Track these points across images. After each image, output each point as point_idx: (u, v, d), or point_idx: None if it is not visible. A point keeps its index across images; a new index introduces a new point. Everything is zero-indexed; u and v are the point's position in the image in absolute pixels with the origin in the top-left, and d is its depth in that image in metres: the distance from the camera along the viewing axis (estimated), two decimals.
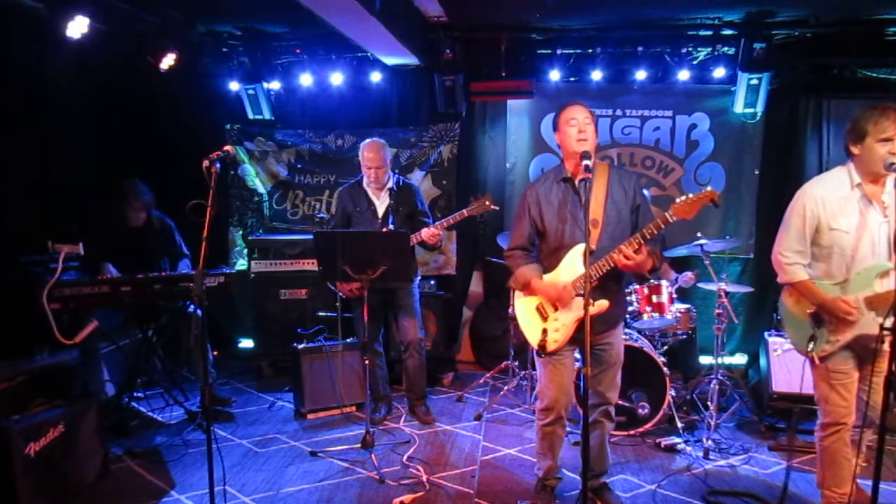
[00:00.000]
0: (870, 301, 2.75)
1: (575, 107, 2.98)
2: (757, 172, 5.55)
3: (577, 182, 3.01)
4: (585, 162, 2.77)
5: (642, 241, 2.77)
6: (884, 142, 2.67)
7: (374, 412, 4.34)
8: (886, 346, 2.42)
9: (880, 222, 2.76)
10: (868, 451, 3.38)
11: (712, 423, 4.08)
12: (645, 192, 3.18)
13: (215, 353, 5.49)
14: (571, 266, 2.97)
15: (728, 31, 5.09)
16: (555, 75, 5.49)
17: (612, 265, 2.85)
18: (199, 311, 4.32)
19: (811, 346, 2.85)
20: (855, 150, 2.77)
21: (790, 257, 2.88)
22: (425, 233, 4.14)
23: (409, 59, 5.33)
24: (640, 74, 5.38)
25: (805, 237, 2.85)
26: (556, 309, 3.02)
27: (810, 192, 2.86)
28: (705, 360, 5.30)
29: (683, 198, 2.71)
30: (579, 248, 2.94)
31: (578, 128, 2.91)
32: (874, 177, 2.75)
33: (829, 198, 2.81)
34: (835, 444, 2.93)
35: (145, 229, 4.59)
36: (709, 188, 2.71)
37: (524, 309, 3.15)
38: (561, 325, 3.00)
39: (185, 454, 3.90)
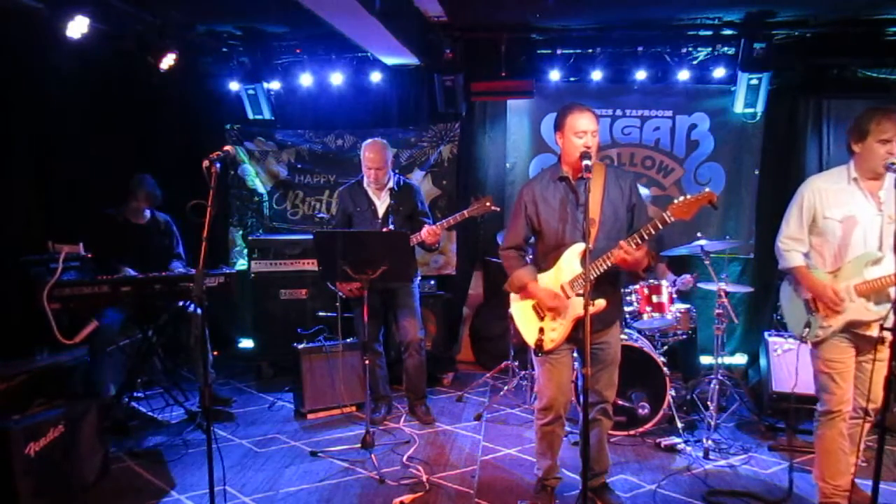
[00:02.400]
0: (859, 288, 2.89)
1: (584, 116, 2.93)
2: (757, 172, 5.56)
3: (574, 182, 3.01)
4: (585, 162, 2.76)
5: (640, 242, 2.77)
6: (883, 143, 2.80)
7: (374, 412, 4.33)
8: (886, 347, 2.49)
9: (874, 215, 2.90)
10: (868, 450, 3.40)
11: (712, 423, 4.08)
12: (645, 190, 3.17)
13: (215, 353, 5.49)
14: (569, 265, 2.97)
15: (728, 31, 5.09)
16: (555, 75, 5.49)
17: (608, 265, 2.85)
18: (199, 311, 4.33)
19: (806, 331, 3.02)
20: (856, 147, 2.92)
21: (788, 244, 3.07)
22: (425, 232, 4.14)
23: (409, 59, 5.33)
24: (640, 74, 5.38)
25: (803, 226, 3.03)
26: (568, 298, 3.01)
27: (810, 184, 3.05)
28: (705, 360, 5.30)
29: (681, 198, 2.71)
30: (576, 248, 2.94)
31: (585, 142, 2.90)
32: (873, 174, 2.89)
33: (827, 189, 2.98)
34: (830, 432, 3.01)
35: (149, 227, 4.61)
36: (707, 189, 2.71)
37: (521, 308, 3.15)
38: (558, 325, 3.00)
39: (185, 454, 3.89)
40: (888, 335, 2.54)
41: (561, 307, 2.97)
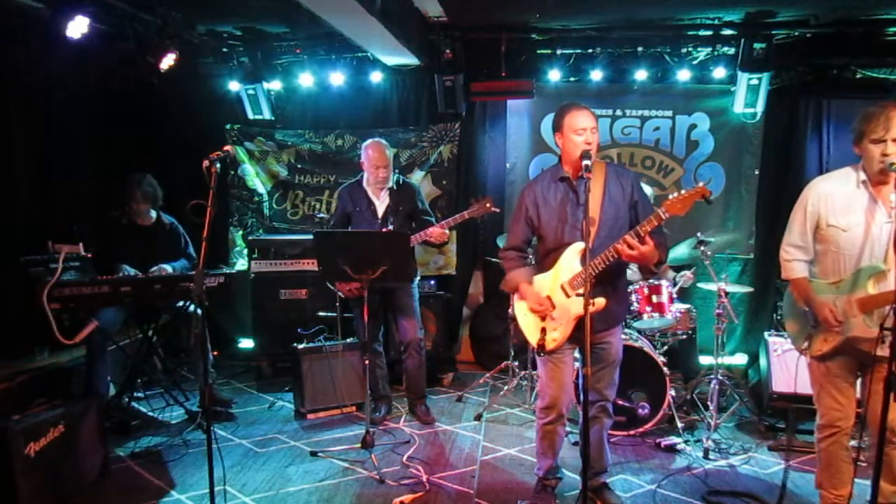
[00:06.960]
0: (862, 302, 2.67)
1: (582, 114, 2.94)
2: (757, 172, 5.56)
3: (574, 181, 3.01)
4: (585, 162, 2.77)
5: (636, 239, 2.76)
6: (875, 143, 2.63)
7: (374, 412, 4.33)
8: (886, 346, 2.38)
9: (883, 223, 2.67)
10: (866, 450, 3.35)
11: (712, 423, 4.08)
12: (649, 189, 3.15)
13: (215, 353, 5.49)
14: (569, 265, 2.97)
15: (728, 31, 5.09)
16: (555, 75, 5.49)
17: (609, 262, 2.85)
18: (199, 311, 4.33)
19: (806, 343, 2.86)
20: (856, 150, 2.76)
21: (791, 253, 2.88)
22: (433, 231, 4.14)
23: (409, 59, 5.33)
24: (640, 74, 5.38)
25: (806, 233, 2.83)
26: (553, 307, 3.02)
27: (814, 188, 2.84)
28: (705, 360, 5.30)
29: (675, 194, 2.71)
30: (576, 247, 2.95)
31: (585, 139, 2.91)
32: (878, 177, 2.67)
33: (833, 194, 2.77)
34: (831, 446, 2.90)
35: (154, 229, 4.58)
36: (700, 184, 2.70)
37: (523, 308, 3.15)
38: (559, 325, 3.00)
39: (185, 454, 3.89)
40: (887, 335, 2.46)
41: (545, 312, 2.99)
